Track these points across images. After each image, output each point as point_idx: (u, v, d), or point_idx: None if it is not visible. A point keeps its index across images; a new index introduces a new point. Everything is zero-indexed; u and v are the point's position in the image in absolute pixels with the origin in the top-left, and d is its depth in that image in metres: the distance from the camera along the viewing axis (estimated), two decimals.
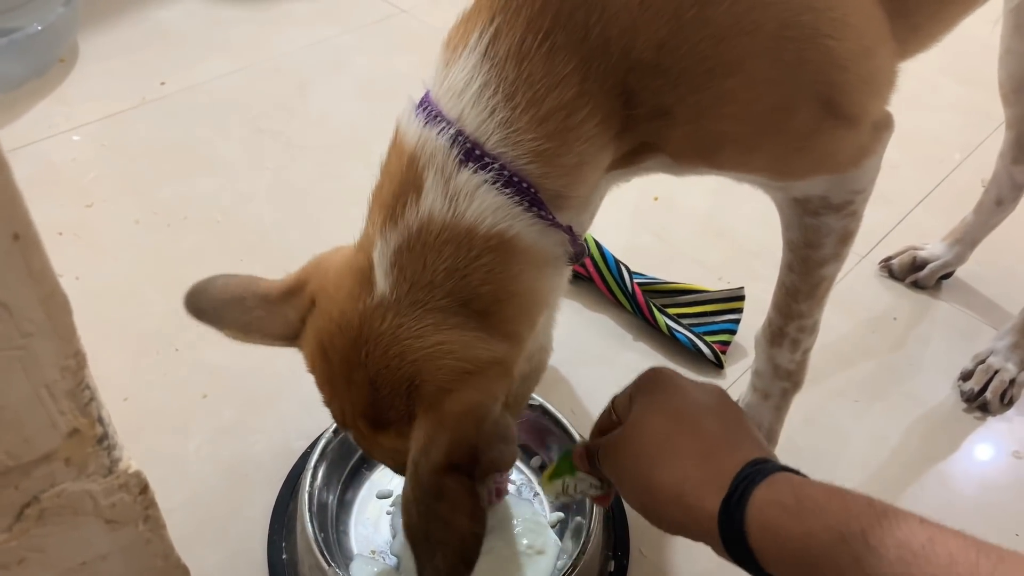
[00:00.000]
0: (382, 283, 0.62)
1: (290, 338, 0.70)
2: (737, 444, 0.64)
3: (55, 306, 0.39)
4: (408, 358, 0.61)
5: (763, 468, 0.59)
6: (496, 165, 0.60)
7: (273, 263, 1.31)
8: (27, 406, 0.40)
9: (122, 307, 1.24)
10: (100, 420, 0.45)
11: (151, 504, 0.51)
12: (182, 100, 1.67)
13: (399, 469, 0.67)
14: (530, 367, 0.75)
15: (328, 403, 0.69)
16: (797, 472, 0.60)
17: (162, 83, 1.69)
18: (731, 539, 0.58)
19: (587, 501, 0.92)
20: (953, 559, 0.47)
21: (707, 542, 0.61)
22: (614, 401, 0.75)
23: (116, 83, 1.70)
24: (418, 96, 0.65)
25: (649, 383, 0.71)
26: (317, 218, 1.42)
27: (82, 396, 0.43)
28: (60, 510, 0.45)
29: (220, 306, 0.71)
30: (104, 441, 0.45)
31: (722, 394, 0.72)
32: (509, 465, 0.65)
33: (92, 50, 1.77)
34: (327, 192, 1.47)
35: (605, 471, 0.71)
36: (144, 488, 0.50)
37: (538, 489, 1.00)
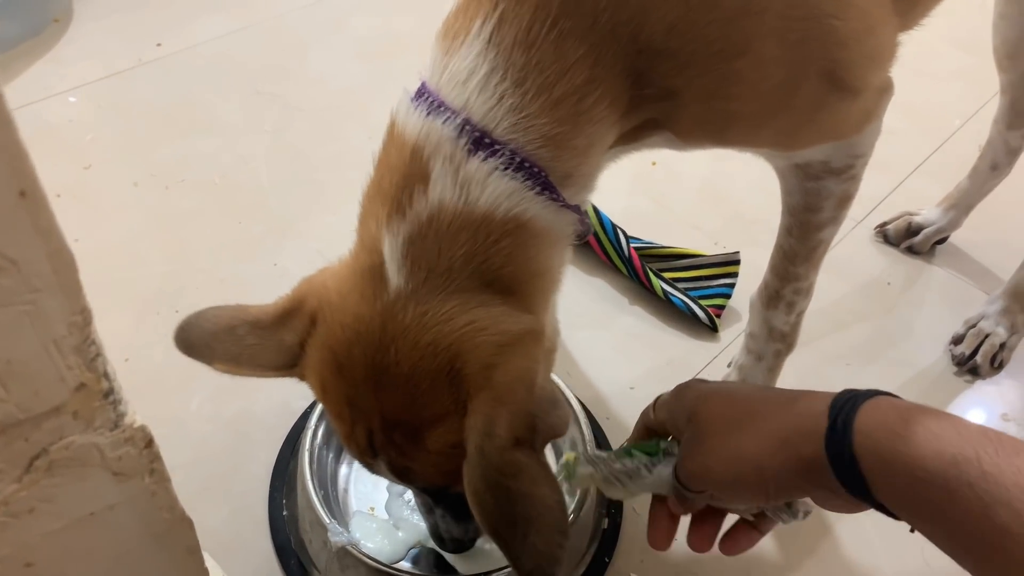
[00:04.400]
0: (396, 277, 0.60)
1: (288, 366, 0.66)
2: (811, 391, 0.62)
3: (62, 263, 0.40)
4: (442, 344, 0.59)
5: (859, 394, 0.57)
6: (507, 151, 0.60)
7: (271, 225, 1.34)
8: (36, 360, 0.41)
9: (122, 269, 1.24)
10: (106, 375, 0.46)
11: (156, 458, 0.52)
12: (179, 61, 1.66)
13: (445, 479, 0.64)
14: (549, 346, 0.74)
15: (348, 434, 0.65)
16: (892, 395, 0.58)
17: (158, 44, 1.69)
18: (842, 468, 0.56)
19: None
20: None
21: (815, 490, 0.59)
22: (655, 407, 0.74)
23: (112, 43, 1.69)
24: (413, 88, 0.64)
25: (690, 389, 0.70)
26: (315, 180, 1.42)
27: (88, 351, 0.44)
28: (68, 462, 0.46)
29: (210, 339, 0.65)
30: (110, 396, 0.46)
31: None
32: (565, 429, 0.62)
33: (87, 10, 1.76)
34: (325, 154, 1.47)
35: (692, 481, 0.66)
36: (149, 442, 0.51)
37: None
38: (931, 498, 0.51)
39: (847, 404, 0.57)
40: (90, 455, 0.47)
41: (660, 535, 0.73)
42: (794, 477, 0.59)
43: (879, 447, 0.54)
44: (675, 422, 0.69)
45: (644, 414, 0.75)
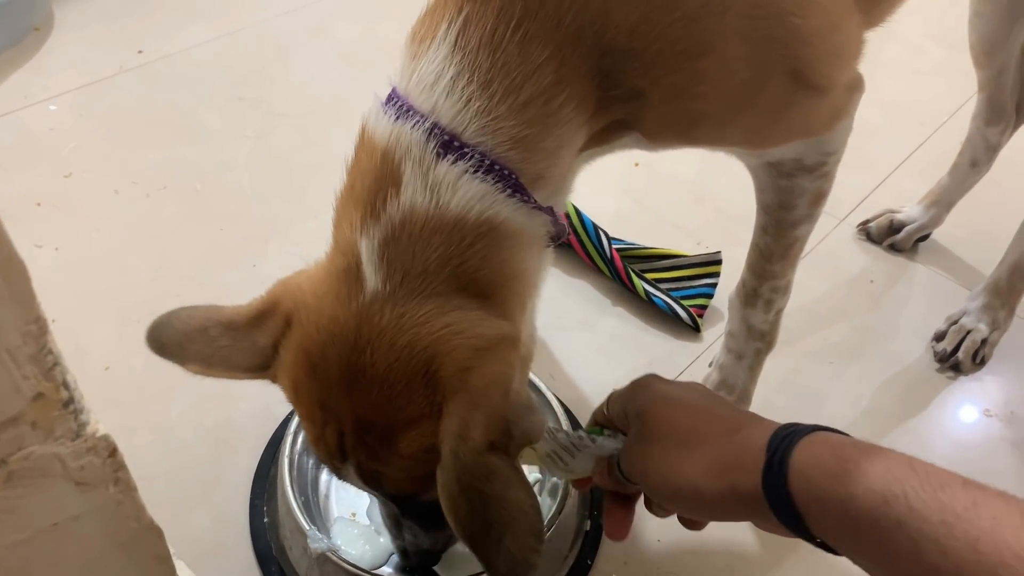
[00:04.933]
0: (372, 278, 0.60)
1: (260, 368, 0.66)
2: (758, 417, 0.62)
3: (12, 272, 0.39)
4: (419, 346, 0.59)
5: (796, 430, 0.57)
6: (476, 154, 0.60)
7: (253, 231, 1.33)
8: None
9: (103, 277, 1.24)
10: (65, 384, 0.45)
11: (120, 467, 0.51)
12: (160, 68, 1.66)
13: (414, 485, 0.64)
14: (525, 352, 0.74)
15: (319, 437, 0.65)
16: (830, 430, 0.58)
17: (140, 51, 1.68)
18: (778, 505, 0.56)
19: None
20: (997, 522, 0.46)
21: (752, 518, 0.59)
22: (609, 402, 0.74)
23: (93, 52, 1.68)
24: (384, 93, 0.64)
25: (645, 389, 0.70)
26: (297, 186, 1.42)
27: (45, 361, 0.43)
28: (28, 472, 0.45)
29: (183, 340, 0.65)
30: (70, 405, 0.46)
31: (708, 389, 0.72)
32: (539, 435, 0.63)
33: (67, 18, 1.75)
34: (308, 160, 1.47)
35: (631, 476, 0.68)
36: (113, 451, 0.50)
37: None
38: (865, 536, 0.51)
39: (784, 441, 0.56)
40: (51, 465, 0.47)
41: (616, 526, 0.74)
42: (732, 505, 0.59)
43: (813, 486, 0.54)
44: (626, 417, 0.69)
45: (597, 409, 0.76)
